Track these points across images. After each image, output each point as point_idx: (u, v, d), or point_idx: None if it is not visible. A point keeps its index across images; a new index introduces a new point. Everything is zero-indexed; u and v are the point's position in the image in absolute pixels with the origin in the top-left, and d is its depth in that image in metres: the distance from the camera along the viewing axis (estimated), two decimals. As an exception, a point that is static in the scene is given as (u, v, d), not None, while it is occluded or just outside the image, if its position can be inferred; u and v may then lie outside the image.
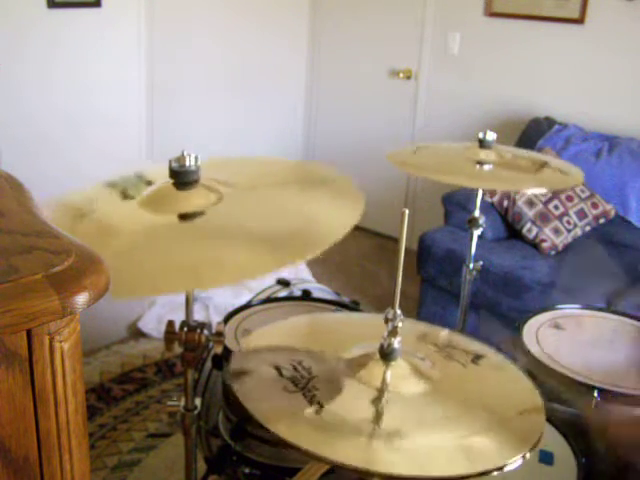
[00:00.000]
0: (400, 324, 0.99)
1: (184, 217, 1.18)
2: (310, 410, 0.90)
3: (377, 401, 0.95)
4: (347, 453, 0.84)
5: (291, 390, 0.95)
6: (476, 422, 0.94)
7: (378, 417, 0.92)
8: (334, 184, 1.32)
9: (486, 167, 1.82)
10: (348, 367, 1.01)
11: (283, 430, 0.86)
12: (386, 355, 0.99)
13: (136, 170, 1.34)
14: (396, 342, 0.99)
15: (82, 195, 1.27)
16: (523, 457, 0.87)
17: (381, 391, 0.96)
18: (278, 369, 0.99)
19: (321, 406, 0.91)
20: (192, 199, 1.19)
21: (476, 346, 1.17)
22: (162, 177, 1.24)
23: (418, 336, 1.17)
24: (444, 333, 1.20)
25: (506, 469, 0.85)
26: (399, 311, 0.99)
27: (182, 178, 1.20)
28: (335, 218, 1.16)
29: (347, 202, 1.22)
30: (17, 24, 3.12)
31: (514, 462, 0.86)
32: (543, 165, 1.88)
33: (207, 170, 1.23)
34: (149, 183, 1.28)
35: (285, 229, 1.14)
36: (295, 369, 0.99)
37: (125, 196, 1.24)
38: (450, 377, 1.04)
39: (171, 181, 1.21)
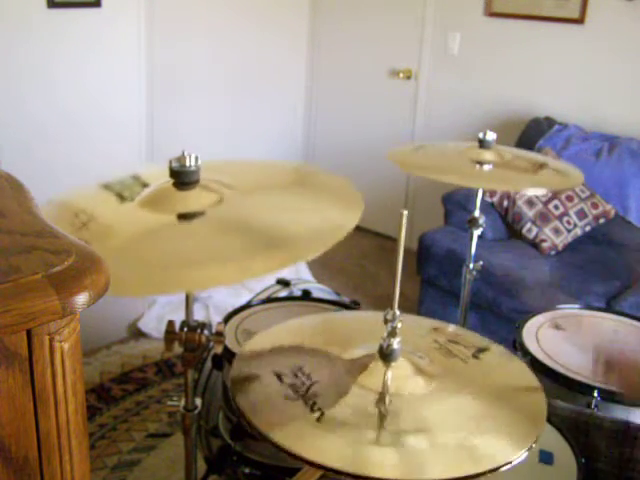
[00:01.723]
0: (399, 325, 0.99)
1: (183, 217, 1.18)
2: (312, 417, 0.90)
3: (380, 404, 0.94)
4: (351, 460, 0.83)
5: (292, 398, 0.94)
6: (478, 419, 0.94)
7: (381, 420, 0.91)
8: (333, 187, 1.32)
9: (486, 167, 1.82)
10: (349, 370, 1.00)
11: (286, 439, 0.86)
12: (386, 356, 0.99)
13: (132, 172, 1.34)
14: (395, 343, 0.99)
15: (79, 196, 1.27)
16: (527, 449, 0.87)
17: (383, 393, 0.96)
18: (279, 376, 0.99)
19: (322, 413, 0.91)
20: (192, 199, 1.19)
21: (476, 340, 1.17)
22: (158, 178, 1.24)
23: (418, 333, 1.17)
24: (444, 329, 1.20)
25: (509, 466, 0.85)
26: (398, 312, 0.99)
27: (182, 178, 1.20)
28: (333, 221, 1.16)
29: (345, 206, 1.22)
30: (17, 24, 3.11)
31: (517, 459, 0.86)
32: (542, 166, 1.88)
33: (207, 172, 1.23)
34: (144, 185, 1.28)
35: (284, 231, 1.14)
36: (295, 376, 0.99)
37: (121, 198, 1.24)
38: (452, 374, 1.04)
39: (171, 181, 1.21)
